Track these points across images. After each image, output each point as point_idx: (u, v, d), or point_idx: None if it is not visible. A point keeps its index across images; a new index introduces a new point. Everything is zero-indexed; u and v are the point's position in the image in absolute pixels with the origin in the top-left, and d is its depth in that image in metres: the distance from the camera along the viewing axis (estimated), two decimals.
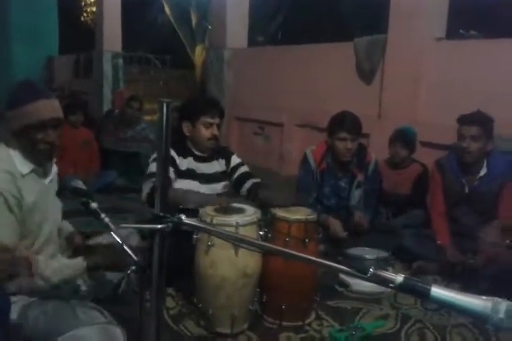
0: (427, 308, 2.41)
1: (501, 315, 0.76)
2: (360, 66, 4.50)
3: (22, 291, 1.71)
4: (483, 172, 2.80)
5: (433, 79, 3.91)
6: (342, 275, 2.68)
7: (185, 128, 2.66)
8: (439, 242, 2.86)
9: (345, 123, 3.02)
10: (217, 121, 2.66)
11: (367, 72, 4.43)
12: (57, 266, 1.72)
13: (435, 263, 2.86)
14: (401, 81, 4.07)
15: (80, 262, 1.73)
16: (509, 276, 2.34)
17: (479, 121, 2.73)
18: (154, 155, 2.61)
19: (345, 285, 2.66)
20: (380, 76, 4.32)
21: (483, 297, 0.79)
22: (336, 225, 3.03)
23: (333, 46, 4.99)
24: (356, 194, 3.21)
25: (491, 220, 2.73)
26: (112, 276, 1.94)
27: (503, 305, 0.77)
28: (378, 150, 3.53)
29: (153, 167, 2.56)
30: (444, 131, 3.58)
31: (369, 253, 2.72)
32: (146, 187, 2.51)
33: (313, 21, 9.83)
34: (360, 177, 3.19)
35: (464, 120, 2.78)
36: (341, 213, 3.19)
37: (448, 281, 2.75)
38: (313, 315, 2.36)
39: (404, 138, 3.45)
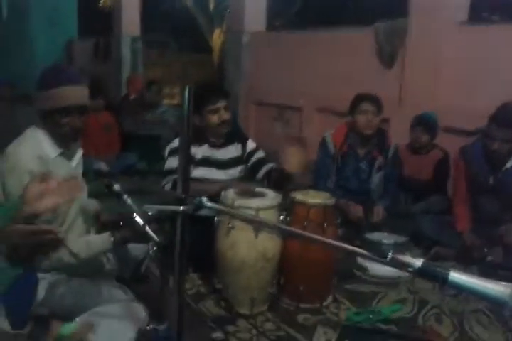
0: (445, 294, 2.42)
1: None
2: (380, 50, 4.44)
3: (51, 268, 1.77)
4: (509, 164, 2.72)
5: (454, 64, 3.84)
6: (360, 259, 2.70)
7: (195, 119, 2.61)
8: (459, 229, 2.84)
9: (366, 96, 3.15)
10: (221, 104, 2.62)
11: (387, 57, 4.37)
12: (84, 241, 1.78)
13: (453, 249, 2.85)
14: (422, 65, 4.01)
15: (106, 237, 1.78)
16: None
17: None
18: (170, 148, 2.63)
19: (363, 269, 2.68)
20: (400, 61, 4.26)
21: (502, 282, 0.80)
22: (356, 209, 3.05)
23: (353, 30, 4.92)
24: (376, 177, 3.22)
25: None
26: (136, 252, 1.99)
27: None
28: (398, 136, 3.50)
29: (171, 162, 2.56)
30: (466, 116, 3.55)
31: (387, 238, 2.73)
32: (167, 186, 2.51)
33: (332, 5, 9.66)
34: (380, 159, 3.20)
35: (498, 121, 2.57)
36: (362, 198, 3.20)
37: (465, 268, 2.74)
38: (330, 298, 2.39)
39: (425, 123, 3.40)
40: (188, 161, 1.27)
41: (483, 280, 0.81)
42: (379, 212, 3.09)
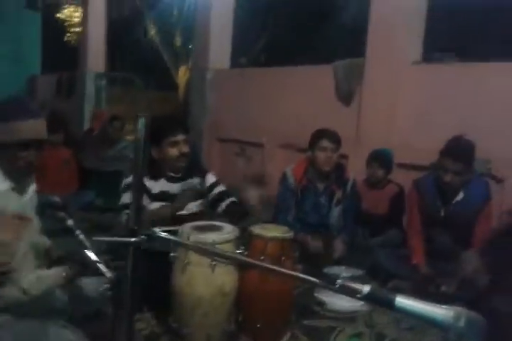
0: (401, 327, 2.42)
1: (462, 324, 0.79)
2: (338, 89, 4.60)
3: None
4: (459, 197, 2.80)
5: (410, 102, 4.01)
6: (318, 294, 2.68)
7: (153, 151, 2.61)
8: (414, 261, 2.88)
9: (325, 133, 3.20)
10: (181, 138, 2.61)
11: (345, 95, 4.53)
12: (35, 277, 1.71)
13: (410, 282, 2.88)
14: (379, 103, 4.17)
15: (58, 270, 1.72)
16: (482, 299, 2.35)
17: (465, 157, 2.66)
18: (125, 183, 2.59)
19: (321, 304, 2.66)
20: (358, 98, 4.42)
21: (445, 306, 0.81)
22: (315, 244, 3.06)
23: (312, 69, 5.10)
24: (336, 211, 3.26)
25: (466, 243, 2.76)
26: (88, 289, 1.92)
27: (463, 314, 0.80)
28: (356, 172, 3.58)
29: (126, 197, 2.53)
30: (421, 153, 3.68)
31: (345, 272, 2.73)
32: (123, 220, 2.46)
33: (294, 45, 10.06)
34: (339, 194, 3.24)
35: (448, 154, 2.68)
36: (321, 231, 3.22)
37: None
38: (288, 335, 2.34)
39: (380, 158, 3.52)
40: (141, 192, 1.26)
41: (428, 304, 0.82)
42: (339, 247, 3.11)
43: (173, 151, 2.60)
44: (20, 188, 1.82)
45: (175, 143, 2.59)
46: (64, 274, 1.73)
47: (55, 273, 1.74)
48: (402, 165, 3.83)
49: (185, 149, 2.62)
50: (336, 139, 3.17)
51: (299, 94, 5.02)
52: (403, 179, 3.56)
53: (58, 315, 1.86)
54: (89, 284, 1.95)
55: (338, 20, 9.28)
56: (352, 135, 4.34)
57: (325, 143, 3.14)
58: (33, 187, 1.92)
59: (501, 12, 5.51)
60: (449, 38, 5.73)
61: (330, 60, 4.81)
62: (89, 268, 1.67)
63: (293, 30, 10.27)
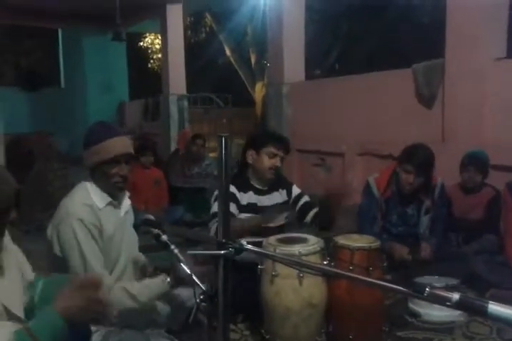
0: (504, 338, 2.27)
1: None
2: (419, 92, 4.47)
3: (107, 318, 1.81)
4: None
5: (497, 100, 3.80)
6: (412, 305, 2.60)
7: (250, 156, 2.71)
8: None
9: (414, 156, 2.99)
10: (281, 153, 2.69)
11: (427, 97, 4.39)
12: (142, 284, 1.83)
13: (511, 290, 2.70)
14: (463, 103, 3.99)
15: (162, 278, 1.83)
16: None
17: None
18: (215, 195, 2.67)
19: (415, 315, 2.58)
20: (441, 100, 4.27)
21: None
22: (401, 249, 2.98)
23: (391, 73, 5.00)
24: (425, 220, 3.13)
25: None
26: (187, 303, 2.00)
27: None
28: (445, 175, 3.44)
29: (216, 207, 2.61)
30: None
31: (437, 281, 2.62)
32: (213, 229, 2.56)
33: (369, 51, 9.91)
34: (427, 202, 3.12)
35: None
36: (410, 241, 3.11)
37: None
38: None
39: (477, 162, 3.29)
40: (227, 207, 1.32)
41: None
42: (426, 248, 2.99)
43: (268, 162, 2.68)
44: (116, 203, 1.97)
45: (274, 155, 2.68)
46: (168, 280, 1.81)
47: (160, 280, 1.84)
48: (494, 167, 3.61)
49: (279, 164, 2.71)
50: (423, 165, 2.96)
51: (377, 100, 4.94)
52: (497, 181, 3.36)
53: (157, 327, 1.97)
54: (185, 296, 2.04)
55: (412, 23, 9.04)
56: (437, 138, 4.19)
57: (409, 167, 2.98)
58: (127, 202, 2.06)
59: None
60: None
61: (408, 63, 4.69)
62: (183, 278, 1.75)
63: (366, 37, 10.13)
